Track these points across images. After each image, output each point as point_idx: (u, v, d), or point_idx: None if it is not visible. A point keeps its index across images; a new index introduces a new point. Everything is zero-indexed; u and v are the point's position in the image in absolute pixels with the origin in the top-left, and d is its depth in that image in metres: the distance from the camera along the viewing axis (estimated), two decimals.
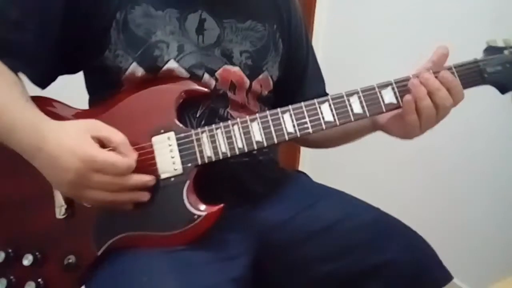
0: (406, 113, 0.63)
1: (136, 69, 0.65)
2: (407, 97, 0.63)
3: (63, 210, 0.62)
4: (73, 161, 0.54)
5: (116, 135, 0.58)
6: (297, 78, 0.86)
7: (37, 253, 0.62)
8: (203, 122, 0.67)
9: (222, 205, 0.62)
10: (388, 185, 1.65)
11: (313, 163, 1.89)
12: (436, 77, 0.63)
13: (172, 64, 0.66)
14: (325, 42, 1.89)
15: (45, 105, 0.64)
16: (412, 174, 1.58)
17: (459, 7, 1.38)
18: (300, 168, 2.06)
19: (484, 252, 1.36)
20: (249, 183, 0.72)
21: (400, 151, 1.46)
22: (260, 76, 0.74)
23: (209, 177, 0.63)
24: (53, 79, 0.69)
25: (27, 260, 0.61)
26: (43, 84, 0.67)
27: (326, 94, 0.88)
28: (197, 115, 0.67)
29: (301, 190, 0.81)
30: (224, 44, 0.70)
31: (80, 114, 0.67)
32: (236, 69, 0.71)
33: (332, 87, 0.89)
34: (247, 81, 0.72)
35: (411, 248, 0.71)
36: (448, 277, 0.72)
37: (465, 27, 1.36)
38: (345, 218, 0.73)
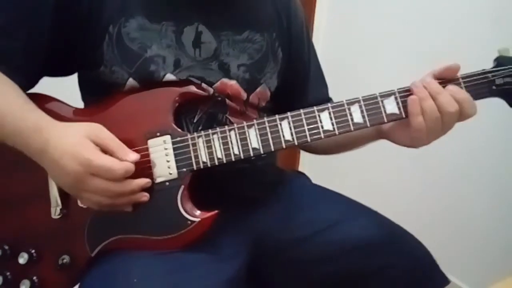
0: (411, 114, 0.61)
1: (133, 85, 0.64)
2: (412, 96, 0.61)
3: (58, 211, 0.62)
4: (71, 165, 0.54)
5: (113, 141, 0.58)
6: (300, 84, 0.84)
7: (32, 252, 0.62)
8: (200, 128, 0.66)
9: (216, 211, 0.62)
10: (388, 186, 1.65)
11: (313, 164, 1.89)
12: (444, 86, 0.60)
13: (169, 77, 0.65)
14: (325, 42, 1.88)
15: (42, 102, 0.64)
16: (412, 175, 1.58)
17: (459, 7, 1.36)
18: (300, 169, 2.06)
19: (484, 252, 1.36)
20: (246, 189, 0.71)
21: (400, 153, 1.45)
22: (258, 89, 0.72)
23: (205, 182, 0.63)
24: (36, 82, 0.68)
25: (22, 259, 0.62)
26: (25, 87, 0.65)
27: (329, 99, 0.86)
28: (195, 120, 0.67)
29: (300, 191, 0.81)
30: (221, 58, 0.68)
31: (77, 113, 0.66)
32: (233, 82, 0.69)
33: (332, 87, 0.88)
34: (244, 95, 0.71)
35: (409, 252, 0.71)
36: (444, 282, 0.71)
37: (465, 27, 1.34)
38: (344, 221, 0.73)
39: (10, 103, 0.57)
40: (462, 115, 0.61)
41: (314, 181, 0.87)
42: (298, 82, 0.83)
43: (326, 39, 1.90)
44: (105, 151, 0.57)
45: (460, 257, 1.39)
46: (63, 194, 0.61)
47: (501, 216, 1.31)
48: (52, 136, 0.56)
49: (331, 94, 0.88)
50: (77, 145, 0.55)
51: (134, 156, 0.58)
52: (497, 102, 0.64)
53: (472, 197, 1.39)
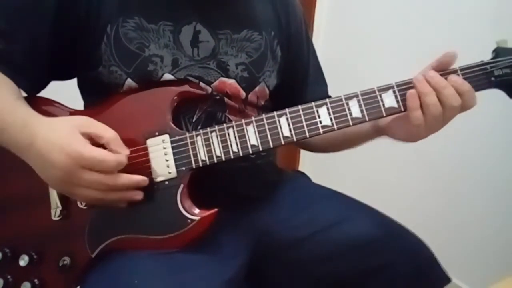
0: (410, 108, 0.60)
1: (131, 85, 0.64)
2: (411, 91, 0.60)
3: (58, 212, 0.62)
4: (60, 158, 0.52)
5: (106, 131, 0.57)
6: (299, 82, 0.83)
7: (33, 254, 0.62)
8: (199, 127, 0.66)
9: (216, 209, 0.62)
10: (388, 186, 1.65)
11: (313, 164, 1.89)
12: (445, 78, 0.60)
13: (168, 77, 0.65)
14: (325, 42, 1.89)
15: (40, 104, 0.64)
16: (412, 175, 1.57)
17: (459, 7, 1.36)
18: (300, 168, 2.06)
19: (484, 252, 1.35)
20: (246, 187, 0.71)
21: (400, 152, 1.47)
22: (257, 88, 0.72)
23: (204, 181, 0.63)
24: (43, 86, 0.68)
25: (23, 261, 0.62)
26: (31, 91, 0.65)
27: (329, 97, 0.86)
28: (194, 120, 0.67)
29: (300, 191, 0.80)
30: (219, 57, 0.68)
31: (75, 114, 0.66)
32: (232, 81, 0.69)
33: (332, 87, 0.88)
34: (243, 94, 0.71)
35: (410, 250, 0.70)
36: (446, 280, 0.71)
37: (465, 27, 1.34)
38: (344, 220, 0.72)
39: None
40: (463, 107, 0.60)
41: (314, 180, 0.87)
42: (297, 81, 0.83)
43: (326, 39, 1.90)
44: (97, 143, 0.56)
45: (460, 257, 1.38)
46: (63, 196, 0.61)
47: (501, 216, 1.30)
48: (40, 130, 0.54)
49: (331, 93, 0.88)
50: (66, 137, 0.53)
51: (126, 151, 0.57)
52: (497, 102, 0.64)
53: (472, 197, 1.38)
